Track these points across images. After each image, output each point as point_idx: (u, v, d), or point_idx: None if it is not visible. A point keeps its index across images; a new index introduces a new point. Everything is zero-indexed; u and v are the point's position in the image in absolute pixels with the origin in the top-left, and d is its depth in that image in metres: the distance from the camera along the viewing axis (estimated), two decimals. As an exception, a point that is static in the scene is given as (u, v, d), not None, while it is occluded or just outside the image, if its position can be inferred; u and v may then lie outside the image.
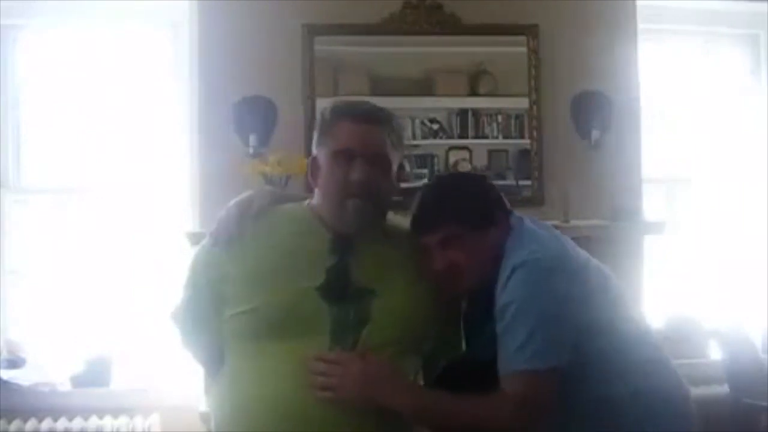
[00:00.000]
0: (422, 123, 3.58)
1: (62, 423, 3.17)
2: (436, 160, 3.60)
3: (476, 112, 3.59)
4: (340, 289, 1.60)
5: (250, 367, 1.60)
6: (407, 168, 3.53)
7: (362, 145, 1.62)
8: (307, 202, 1.74)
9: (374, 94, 3.51)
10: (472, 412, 1.57)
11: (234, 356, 1.64)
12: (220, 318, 1.64)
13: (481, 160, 3.59)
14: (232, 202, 1.71)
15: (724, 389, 3.37)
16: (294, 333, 1.57)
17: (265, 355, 1.58)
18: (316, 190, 1.70)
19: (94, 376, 3.28)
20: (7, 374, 3.26)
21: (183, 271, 1.73)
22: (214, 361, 1.70)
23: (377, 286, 1.62)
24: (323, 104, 3.36)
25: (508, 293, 1.57)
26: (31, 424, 3.16)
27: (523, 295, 1.56)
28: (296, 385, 1.54)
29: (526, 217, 1.73)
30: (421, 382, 1.74)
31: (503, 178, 3.57)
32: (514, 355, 1.55)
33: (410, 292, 1.65)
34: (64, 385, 3.30)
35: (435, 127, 3.59)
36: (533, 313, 1.55)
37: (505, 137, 3.60)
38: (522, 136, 3.57)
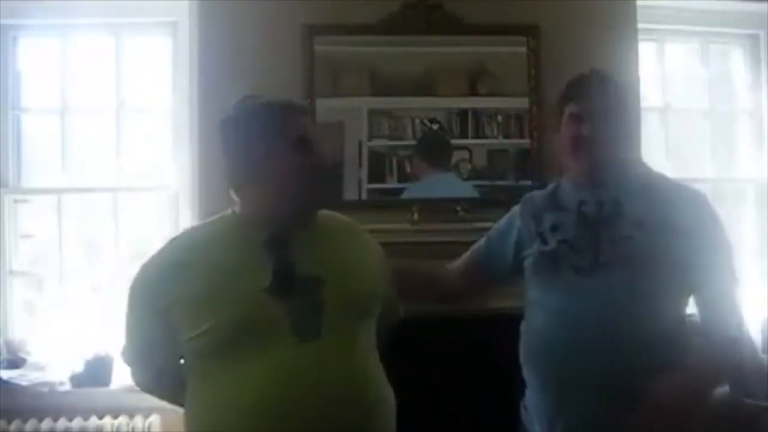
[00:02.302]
0: (422, 123, 3.58)
1: (62, 423, 3.18)
2: (435, 160, 3.60)
3: (476, 112, 3.59)
4: (289, 284, 1.62)
5: (220, 385, 1.60)
6: (407, 168, 3.55)
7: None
8: (230, 211, 1.77)
9: (374, 94, 3.52)
10: None
11: (199, 378, 1.65)
12: (175, 345, 1.65)
13: (481, 160, 3.59)
14: None
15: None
16: (257, 339, 1.59)
17: (234, 369, 1.58)
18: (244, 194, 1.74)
19: (94, 376, 3.28)
20: (7, 374, 3.26)
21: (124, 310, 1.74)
22: (175, 388, 1.72)
23: (323, 272, 1.65)
24: (323, 104, 3.41)
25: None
26: (31, 424, 3.17)
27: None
28: (273, 389, 1.56)
29: None
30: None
31: (503, 178, 3.58)
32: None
33: (355, 269, 1.72)
34: (64, 385, 3.30)
35: (435, 127, 3.59)
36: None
37: (505, 137, 3.60)
38: (522, 136, 3.57)
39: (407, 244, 2.60)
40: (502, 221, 2.16)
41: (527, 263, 1.99)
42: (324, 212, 1.80)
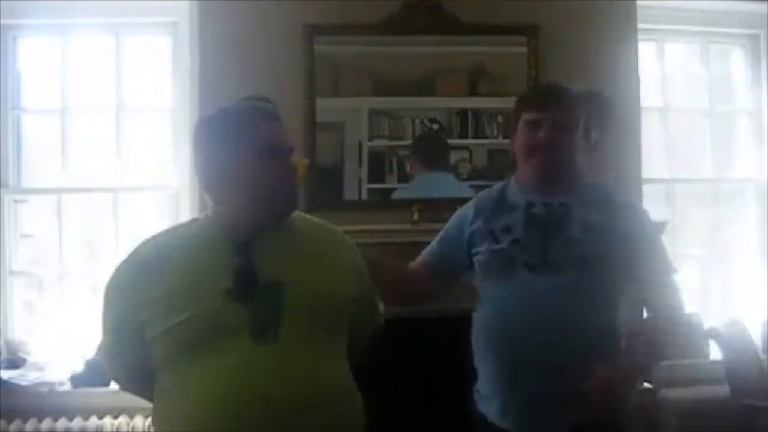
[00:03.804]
0: (422, 123, 3.58)
1: (62, 423, 3.18)
2: (435, 160, 3.61)
3: (476, 112, 3.59)
4: (249, 288, 1.64)
5: (182, 383, 1.62)
6: (407, 168, 3.55)
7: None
8: (204, 215, 1.81)
9: (374, 94, 3.52)
10: None
11: (165, 375, 1.67)
12: (145, 343, 1.67)
13: (481, 160, 3.60)
14: None
15: (724, 389, 3.37)
16: (218, 340, 1.61)
17: (196, 368, 1.61)
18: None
19: (94, 376, 3.28)
20: (7, 374, 3.26)
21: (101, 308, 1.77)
22: (146, 385, 1.74)
23: (284, 277, 1.67)
24: (323, 104, 3.41)
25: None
26: (31, 424, 3.17)
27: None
28: (230, 390, 1.57)
29: None
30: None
31: (503, 178, 3.55)
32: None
33: (318, 275, 1.72)
34: (64, 385, 3.30)
35: (435, 127, 3.59)
36: None
37: (505, 137, 3.59)
38: (522, 136, 3.57)
39: (407, 244, 2.60)
40: (452, 221, 2.27)
41: (477, 260, 2.12)
42: (300, 215, 1.83)
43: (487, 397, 2.09)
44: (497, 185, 2.25)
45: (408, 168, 3.55)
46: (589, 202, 2.09)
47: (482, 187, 3.58)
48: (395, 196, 3.51)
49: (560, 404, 1.85)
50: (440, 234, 2.28)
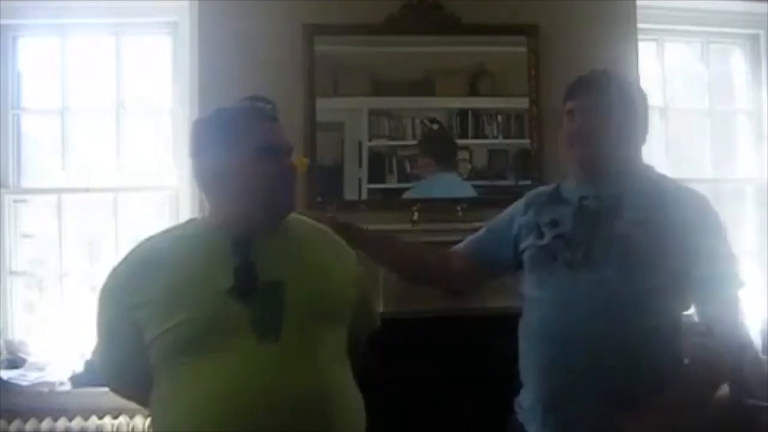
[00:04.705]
0: (422, 123, 3.58)
1: (62, 423, 3.18)
2: (435, 160, 3.61)
3: (476, 112, 3.59)
4: (250, 287, 1.64)
5: (183, 384, 1.62)
6: (407, 168, 3.55)
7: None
8: (201, 216, 1.82)
9: (374, 94, 3.52)
10: None
11: (164, 377, 1.66)
12: (142, 346, 1.66)
13: (481, 160, 3.60)
14: None
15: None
16: (220, 339, 1.60)
17: (197, 368, 1.60)
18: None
19: (94, 376, 3.28)
20: (7, 374, 3.26)
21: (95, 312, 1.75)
22: (140, 389, 1.73)
23: (283, 276, 1.66)
24: (323, 104, 3.41)
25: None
26: (31, 424, 3.17)
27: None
28: (233, 389, 1.57)
29: None
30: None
31: (503, 178, 3.58)
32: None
33: (318, 275, 1.72)
34: (64, 385, 3.30)
35: (435, 127, 3.59)
36: None
37: (505, 137, 3.60)
38: (522, 136, 3.57)
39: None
40: (504, 213, 2.15)
41: (525, 257, 1.99)
42: (296, 217, 1.83)
43: (529, 412, 1.94)
44: (554, 183, 2.11)
45: (409, 168, 3.54)
46: (646, 194, 1.90)
47: (482, 187, 3.64)
48: (408, 195, 3.48)
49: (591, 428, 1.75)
50: (489, 223, 2.17)
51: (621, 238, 1.83)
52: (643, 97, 2.02)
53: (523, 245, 2.01)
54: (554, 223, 1.95)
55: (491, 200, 3.29)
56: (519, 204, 2.11)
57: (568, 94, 2.02)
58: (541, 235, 1.96)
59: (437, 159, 3.55)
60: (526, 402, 1.95)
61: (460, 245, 2.20)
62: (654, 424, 1.73)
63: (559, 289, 1.87)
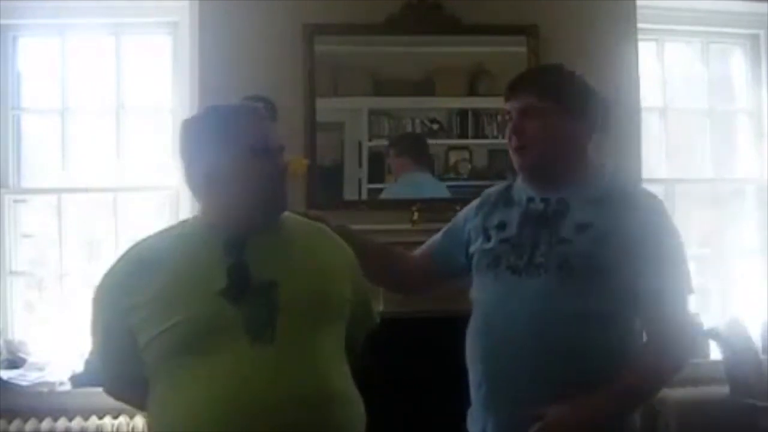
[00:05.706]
0: (422, 123, 3.58)
1: (62, 423, 3.18)
2: (435, 160, 3.61)
3: (476, 112, 3.59)
4: (243, 287, 1.62)
5: (179, 385, 1.60)
6: (389, 166, 3.56)
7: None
8: (193, 216, 1.79)
9: (374, 94, 3.52)
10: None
11: (160, 380, 1.65)
12: (136, 348, 1.64)
13: (481, 160, 3.60)
14: None
15: (724, 389, 3.37)
16: (214, 340, 1.59)
17: (193, 370, 1.58)
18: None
19: (94, 376, 3.27)
20: (7, 374, 3.26)
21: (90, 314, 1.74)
22: (136, 392, 1.72)
23: (277, 276, 1.64)
24: (323, 104, 3.41)
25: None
26: (31, 424, 3.17)
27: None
28: (228, 390, 1.55)
29: None
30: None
31: (503, 178, 3.56)
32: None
33: (312, 275, 1.69)
34: (64, 385, 3.30)
35: (435, 127, 3.59)
36: None
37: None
38: (522, 136, 3.57)
39: (407, 244, 2.60)
40: (459, 215, 2.08)
41: (474, 260, 1.94)
42: (290, 216, 1.80)
43: (474, 414, 1.90)
44: (506, 182, 2.04)
45: (392, 166, 3.53)
46: (591, 199, 1.82)
47: (482, 187, 3.59)
48: (385, 195, 3.50)
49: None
50: (446, 226, 2.13)
51: (562, 243, 1.78)
52: (588, 91, 1.92)
53: (472, 249, 1.96)
54: (501, 226, 1.90)
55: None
56: (472, 205, 2.05)
57: (504, 93, 1.91)
58: (488, 239, 1.91)
59: (415, 158, 3.55)
60: (473, 405, 1.91)
61: (421, 248, 2.16)
62: (576, 418, 1.70)
63: (503, 294, 1.83)
